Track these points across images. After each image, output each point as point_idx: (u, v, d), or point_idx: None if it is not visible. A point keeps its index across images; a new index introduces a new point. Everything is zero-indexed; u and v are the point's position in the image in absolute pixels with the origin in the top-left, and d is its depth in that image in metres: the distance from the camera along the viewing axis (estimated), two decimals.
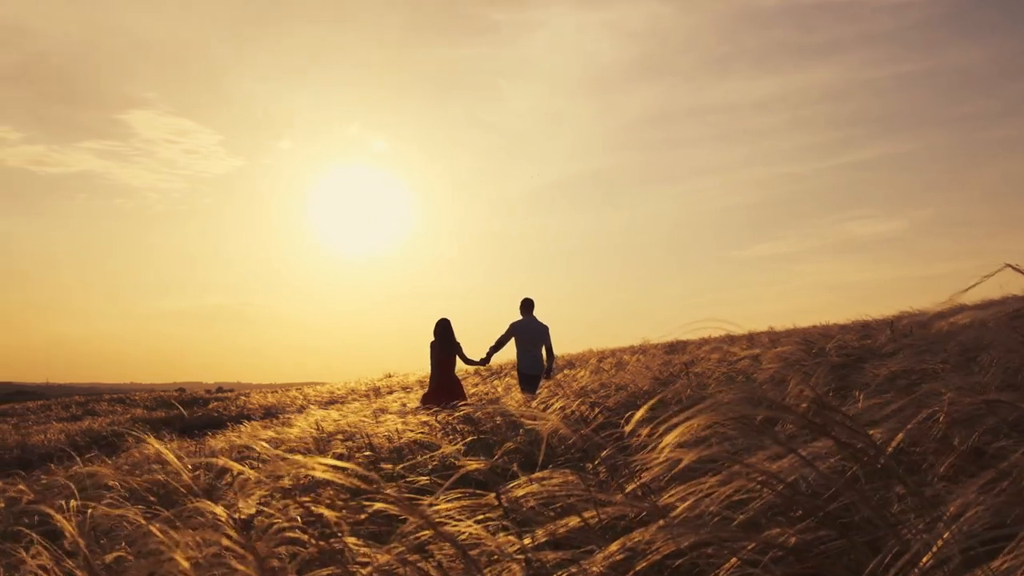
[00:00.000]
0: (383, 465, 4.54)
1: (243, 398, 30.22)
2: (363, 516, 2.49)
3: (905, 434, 2.57)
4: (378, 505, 2.25)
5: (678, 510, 2.28)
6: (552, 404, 6.61)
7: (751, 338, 13.00)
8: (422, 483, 3.50)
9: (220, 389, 62.64)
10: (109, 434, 18.80)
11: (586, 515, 2.31)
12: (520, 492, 2.55)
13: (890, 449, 2.52)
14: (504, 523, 2.44)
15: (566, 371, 18.10)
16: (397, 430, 6.17)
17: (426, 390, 9.86)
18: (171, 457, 3.29)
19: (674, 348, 18.84)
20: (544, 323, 9.89)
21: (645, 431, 4.88)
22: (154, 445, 4.95)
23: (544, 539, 2.24)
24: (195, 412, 24.93)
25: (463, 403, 7.30)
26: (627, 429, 5.06)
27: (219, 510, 2.19)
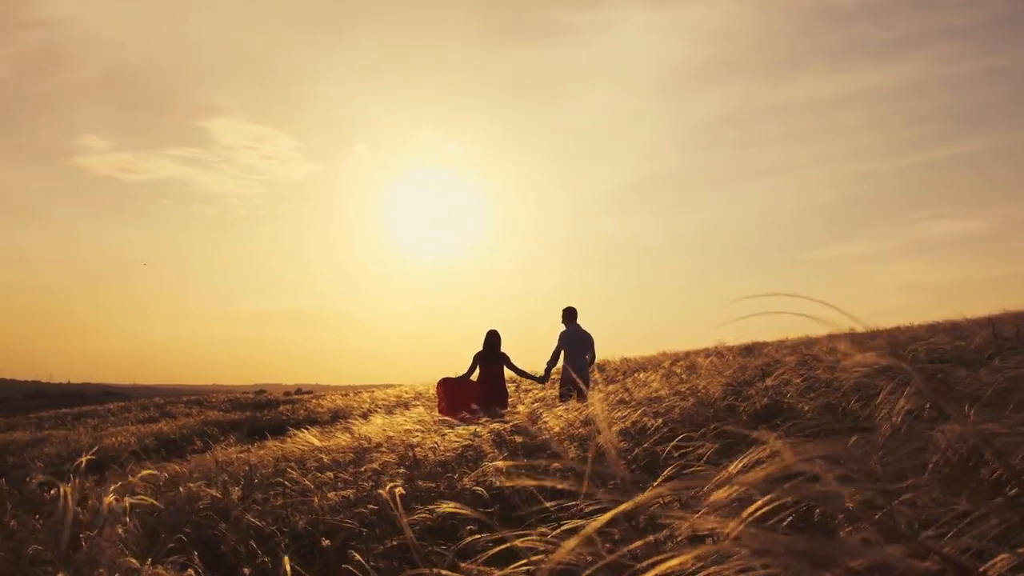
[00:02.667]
0: (418, 483, 4.13)
1: (315, 401, 30.31)
2: None
3: None
4: None
5: None
6: (613, 414, 6.11)
7: (831, 339, 12.22)
8: (445, 510, 3.04)
9: (299, 391, 63.57)
10: (178, 437, 18.94)
11: None
12: None
13: None
14: None
15: (637, 375, 17.49)
16: (443, 438, 5.77)
17: (443, 396, 9.51)
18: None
19: (750, 350, 18.05)
20: (588, 331, 9.94)
21: (711, 448, 4.34)
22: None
23: None
24: (265, 415, 25.07)
25: (504, 412, 6.86)
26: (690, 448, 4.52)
27: None
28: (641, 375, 16.73)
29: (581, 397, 9.23)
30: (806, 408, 5.05)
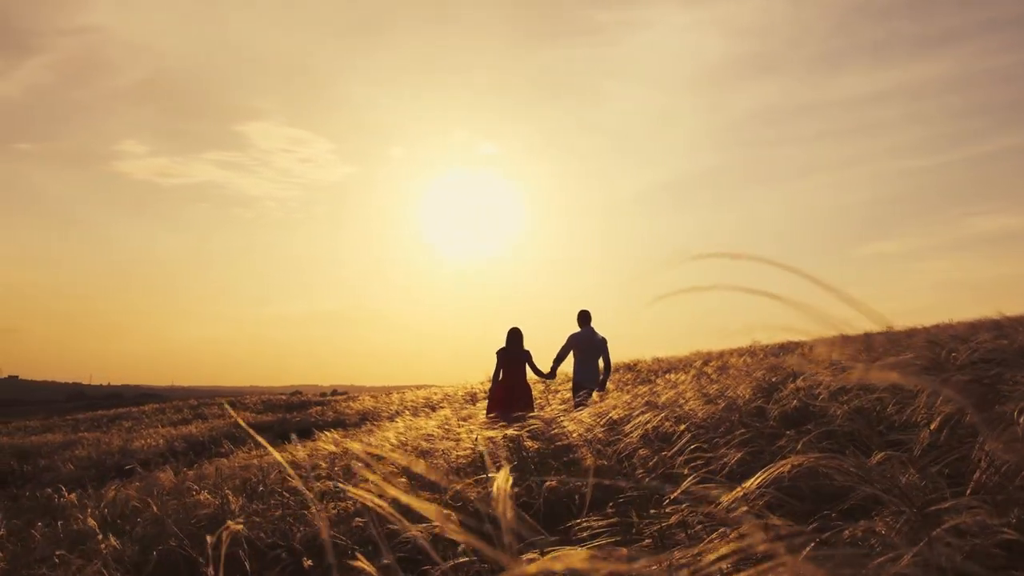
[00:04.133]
0: (420, 492, 3.89)
1: (346, 403, 30.32)
2: None
3: None
4: None
5: None
6: (634, 417, 5.83)
7: (868, 338, 11.82)
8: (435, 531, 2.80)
9: (335, 392, 64.08)
10: (207, 439, 18.92)
11: None
12: None
13: None
14: None
15: (668, 375, 17.17)
16: (457, 443, 5.53)
17: (488, 399, 9.40)
18: None
19: (785, 349, 17.67)
20: (602, 335, 9.81)
21: (734, 457, 4.05)
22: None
23: None
24: (294, 417, 25.06)
25: (530, 415, 6.60)
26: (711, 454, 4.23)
27: None
28: (672, 376, 16.42)
29: (582, 401, 9.17)
30: (838, 412, 4.73)
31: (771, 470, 2.15)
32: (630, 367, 21.86)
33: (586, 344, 9.66)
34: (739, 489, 2.12)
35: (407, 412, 18.95)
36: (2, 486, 15.55)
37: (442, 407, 18.70)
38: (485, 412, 9.37)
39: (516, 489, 3.62)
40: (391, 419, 17.01)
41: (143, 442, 19.50)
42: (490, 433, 5.91)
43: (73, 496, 7.93)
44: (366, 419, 19.97)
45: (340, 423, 19.73)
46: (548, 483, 3.41)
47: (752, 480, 2.16)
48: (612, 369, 9.74)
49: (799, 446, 3.85)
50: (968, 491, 2.40)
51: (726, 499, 2.69)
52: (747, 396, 6.84)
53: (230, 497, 4.44)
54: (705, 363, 18.35)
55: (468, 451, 5.00)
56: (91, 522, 4.60)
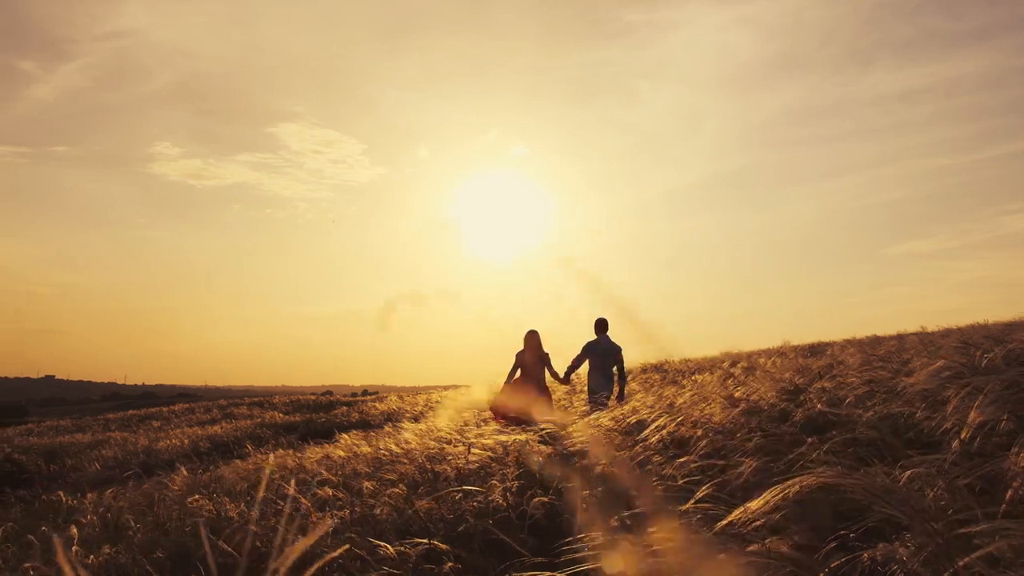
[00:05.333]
0: (417, 503, 3.70)
1: (370, 404, 30.26)
2: None
3: None
4: None
5: None
6: (652, 421, 5.60)
7: (900, 339, 11.50)
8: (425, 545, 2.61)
9: (365, 392, 64.35)
10: (231, 440, 18.90)
11: None
12: None
13: None
14: None
15: (696, 376, 16.87)
16: (468, 449, 5.34)
17: (495, 401, 9.20)
18: None
19: (815, 350, 17.31)
20: (617, 343, 9.72)
21: (750, 466, 3.81)
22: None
23: None
24: (320, 418, 25.03)
25: (545, 419, 6.39)
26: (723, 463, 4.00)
27: None
28: (699, 377, 16.12)
29: (600, 405, 9.17)
30: (865, 417, 4.47)
31: (776, 492, 1.93)
32: (657, 367, 21.55)
33: (602, 352, 9.61)
34: (739, 510, 1.90)
35: (430, 413, 18.80)
36: (27, 486, 15.63)
37: (466, 408, 18.53)
38: (492, 415, 9.19)
39: (514, 499, 3.43)
40: (415, 420, 16.89)
41: (168, 442, 19.53)
42: (501, 438, 5.72)
43: (92, 495, 7.82)
44: (390, 420, 19.84)
45: (365, 424, 19.65)
46: (539, 498, 3.20)
47: (758, 501, 1.95)
48: (628, 377, 9.64)
49: (820, 454, 3.62)
50: (1002, 510, 2.16)
51: (736, 515, 2.48)
52: (771, 399, 6.60)
53: (227, 504, 4.30)
54: (733, 364, 18.01)
55: (476, 457, 4.80)
56: (95, 525, 4.47)
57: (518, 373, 9.06)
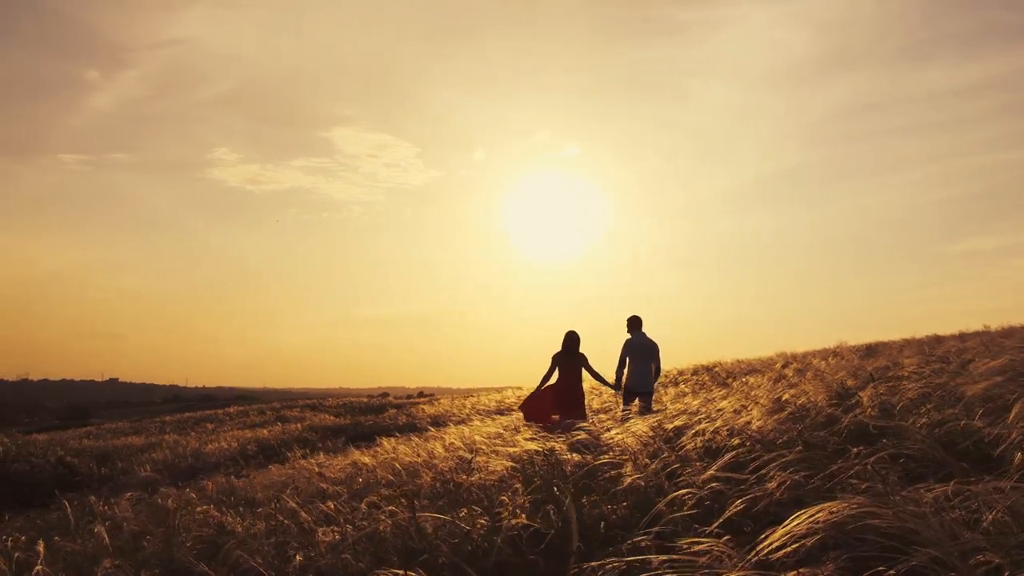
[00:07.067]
0: (424, 514, 3.47)
1: (419, 406, 30.26)
2: None
3: None
4: None
5: None
6: (688, 427, 5.29)
7: (962, 339, 10.96)
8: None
9: (420, 393, 64.72)
10: (277, 443, 18.95)
11: None
12: None
13: None
14: None
15: (747, 378, 16.42)
16: (495, 455, 5.11)
17: (526, 402, 8.96)
18: None
19: (871, 351, 16.74)
20: (654, 340, 9.71)
21: (785, 480, 3.50)
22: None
23: None
24: (368, 420, 25.05)
25: (579, 424, 6.12)
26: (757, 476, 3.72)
27: None
28: (750, 379, 15.68)
29: (645, 407, 9.23)
30: (918, 424, 4.12)
31: (802, 518, 1.65)
32: (708, 369, 21.10)
33: (641, 350, 9.57)
34: (751, 553, 1.63)
35: (477, 416, 18.63)
36: (77, 489, 15.81)
37: (513, 411, 18.35)
38: (523, 417, 8.95)
39: (528, 517, 3.17)
40: (462, 423, 16.74)
41: (216, 445, 19.65)
42: (531, 446, 5.46)
43: (128, 499, 7.76)
44: (437, 423, 19.75)
45: (411, 427, 19.54)
46: (554, 516, 2.94)
47: (780, 531, 1.67)
48: (679, 380, 9.45)
49: (864, 467, 3.29)
50: None
51: (762, 541, 2.19)
52: (820, 402, 6.24)
53: (231, 518, 4.12)
54: (786, 365, 17.51)
55: (501, 466, 4.56)
56: (104, 537, 4.34)
57: (554, 376, 8.79)
